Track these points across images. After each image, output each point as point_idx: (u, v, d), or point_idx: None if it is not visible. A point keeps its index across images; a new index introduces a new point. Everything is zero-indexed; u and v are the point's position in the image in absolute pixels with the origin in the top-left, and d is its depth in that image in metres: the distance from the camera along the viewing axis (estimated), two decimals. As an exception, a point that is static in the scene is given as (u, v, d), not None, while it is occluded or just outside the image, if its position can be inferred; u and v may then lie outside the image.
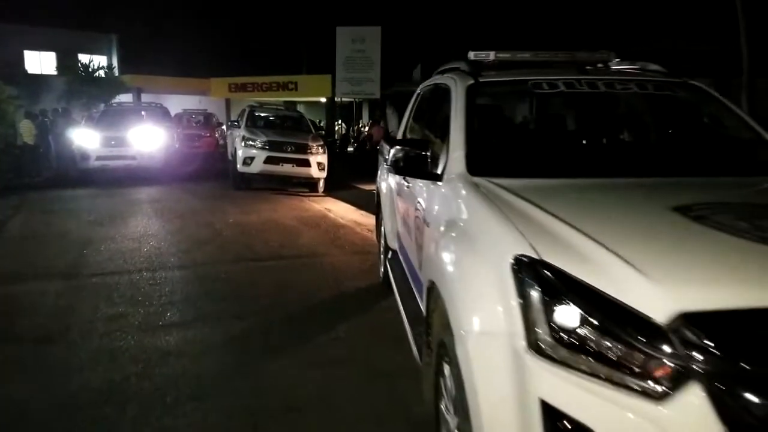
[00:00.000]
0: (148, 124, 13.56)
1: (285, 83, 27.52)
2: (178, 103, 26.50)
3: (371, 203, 10.97)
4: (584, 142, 3.31)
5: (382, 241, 4.79)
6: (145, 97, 26.05)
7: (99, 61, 28.77)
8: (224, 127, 20.74)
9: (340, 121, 27.19)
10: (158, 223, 7.97)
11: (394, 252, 4.27)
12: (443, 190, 2.52)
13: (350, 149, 20.30)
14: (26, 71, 27.93)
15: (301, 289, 4.88)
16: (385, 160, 3.05)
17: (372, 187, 12.57)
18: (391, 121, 21.35)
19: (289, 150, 11.77)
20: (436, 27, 24.24)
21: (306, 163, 11.79)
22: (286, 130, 12.88)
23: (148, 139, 13.08)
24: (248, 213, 8.93)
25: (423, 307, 2.53)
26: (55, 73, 28.12)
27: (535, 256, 1.55)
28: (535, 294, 1.48)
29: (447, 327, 1.80)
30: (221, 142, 20.50)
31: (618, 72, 3.20)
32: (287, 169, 11.75)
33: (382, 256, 4.88)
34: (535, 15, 20.37)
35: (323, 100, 27.94)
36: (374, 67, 20.21)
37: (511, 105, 3.86)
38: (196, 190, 11.73)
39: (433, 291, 2.14)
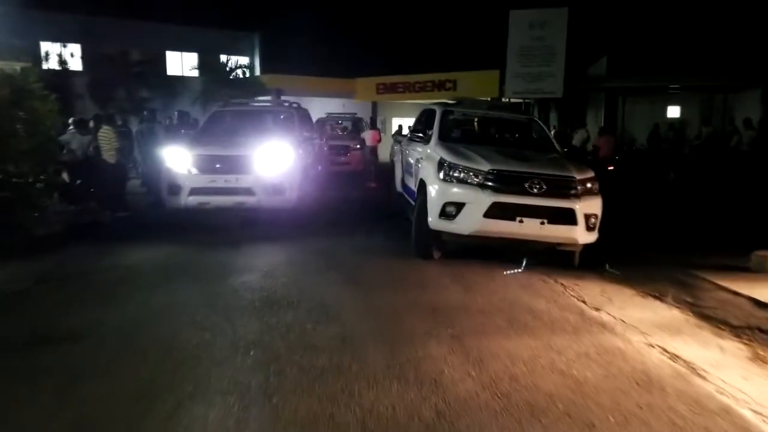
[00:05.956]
0: (278, 137, 8.25)
1: (442, 82, 22.80)
2: (319, 107, 22.33)
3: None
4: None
5: None
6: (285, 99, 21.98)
7: (238, 60, 25.89)
8: (366, 134, 15.65)
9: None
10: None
11: None
12: None
13: None
14: (162, 72, 25.56)
15: None
16: None
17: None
18: (579, 133, 14.29)
19: (535, 190, 5.83)
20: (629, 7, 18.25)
21: (569, 217, 5.78)
22: (516, 150, 6.94)
23: (275, 160, 7.57)
24: (495, 386, 3.14)
25: None
26: (196, 74, 25.49)
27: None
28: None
29: None
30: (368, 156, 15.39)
31: None
32: (530, 228, 5.77)
33: None
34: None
35: (488, 100, 22.23)
36: (557, 58, 17.26)
37: None
38: (353, 262, 6.20)
39: None
